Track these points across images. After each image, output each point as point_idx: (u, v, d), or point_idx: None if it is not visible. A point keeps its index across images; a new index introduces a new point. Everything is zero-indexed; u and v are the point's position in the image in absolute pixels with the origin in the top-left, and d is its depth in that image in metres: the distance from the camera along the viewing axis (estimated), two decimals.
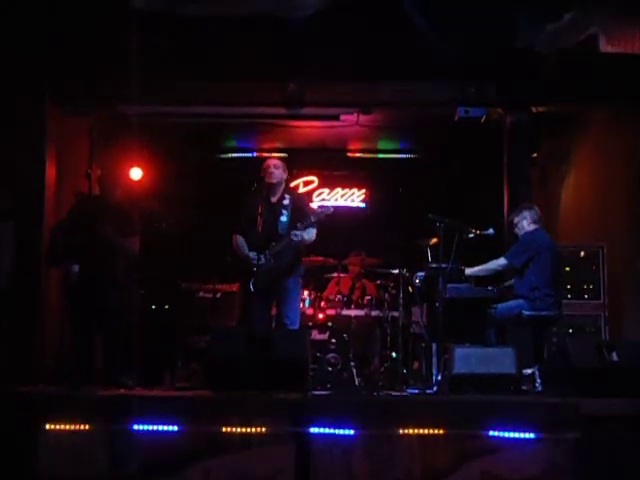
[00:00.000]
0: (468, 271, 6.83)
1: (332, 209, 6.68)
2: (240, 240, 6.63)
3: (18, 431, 4.90)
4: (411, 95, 7.82)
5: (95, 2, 6.84)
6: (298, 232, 6.39)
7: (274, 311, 6.74)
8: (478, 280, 6.98)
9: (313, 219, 6.44)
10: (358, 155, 10.12)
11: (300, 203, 6.73)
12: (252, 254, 6.46)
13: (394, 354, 7.76)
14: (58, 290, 6.96)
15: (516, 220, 6.86)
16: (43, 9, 7.00)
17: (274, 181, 6.63)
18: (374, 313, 7.92)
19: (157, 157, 9.67)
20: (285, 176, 6.77)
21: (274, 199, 6.67)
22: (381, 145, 9.97)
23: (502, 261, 6.78)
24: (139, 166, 9.22)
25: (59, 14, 7.00)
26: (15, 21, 7.09)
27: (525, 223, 6.81)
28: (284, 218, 6.57)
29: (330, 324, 7.90)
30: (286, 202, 6.64)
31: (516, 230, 6.87)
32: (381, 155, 10.20)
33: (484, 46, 6.91)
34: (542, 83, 7.31)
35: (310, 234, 6.55)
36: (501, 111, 7.92)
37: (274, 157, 6.83)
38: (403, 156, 10.15)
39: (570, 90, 7.35)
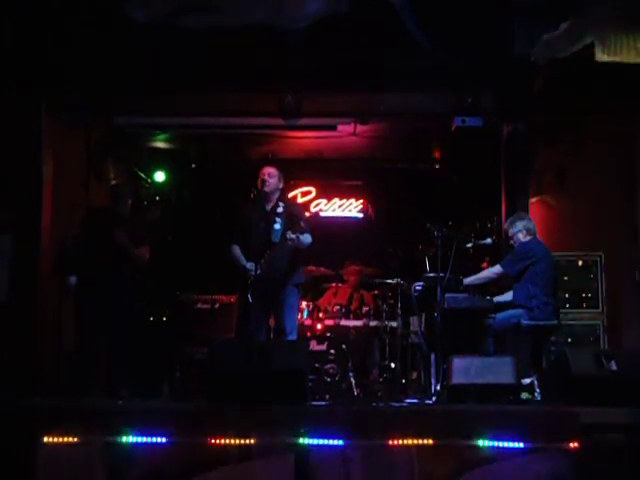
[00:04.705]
0: (465, 280, 6.84)
1: (319, 213, 6.74)
2: (236, 250, 6.63)
3: (16, 444, 4.88)
4: (408, 105, 7.83)
5: (94, 14, 6.84)
6: (293, 234, 6.38)
7: (272, 322, 6.73)
8: (477, 290, 6.99)
9: (303, 224, 6.43)
10: (355, 165, 10.13)
11: (293, 211, 6.71)
12: (249, 264, 6.45)
13: (393, 364, 7.76)
14: (56, 302, 6.95)
15: (511, 232, 6.86)
16: (40, 20, 7.00)
17: (268, 190, 6.64)
18: (372, 323, 7.92)
19: (155, 168, 9.71)
20: (280, 185, 6.77)
21: (268, 207, 6.67)
22: (378, 155, 9.98)
23: (497, 269, 6.80)
24: (139, 177, 9.26)
25: (57, 26, 7.00)
26: (12, 32, 7.09)
27: (521, 236, 6.81)
28: (277, 226, 6.55)
29: (329, 334, 7.89)
30: (280, 210, 6.63)
31: (512, 242, 6.87)
32: (379, 165, 10.21)
33: (481, 56, 6.92)
34: (539, 93, 7.33)
35: (306, 239, 6.55)
36: (498, 121, 7.95)
37: (270, 165, 6.81)
38: (401, 166, 10.16)
39: (566, 100, 7.37)
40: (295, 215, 6.58)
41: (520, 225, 6.84)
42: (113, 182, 8.36)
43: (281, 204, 6.67)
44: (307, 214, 6.77)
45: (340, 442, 4.88)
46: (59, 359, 6.85)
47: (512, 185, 7.99)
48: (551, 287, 6.70)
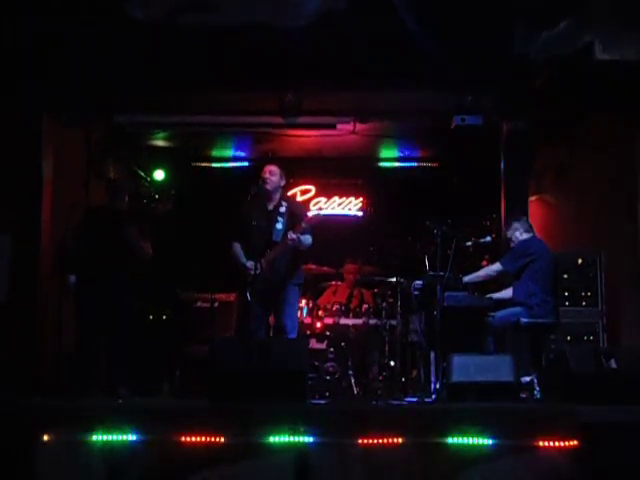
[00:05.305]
0: (465, 278, 6.85)
1: (321, 215, 6.91)
2: (237, 248, 6.62)
3: (16, 444, 4.88)
4: (408, 104, 7.84)
5: (94, 14, 6.84)
6: (294, 234, 6.37)
7: (272, 320, 6.73)
8: (477, 289, 7.00)
9: (304, 225, 6.43)
10: (355, 164, 10.13)
11: (296, 210, 6.70)
12: (249, 263, 6.45)
13: (392, 363, 7.75)
14: (56, 302, 6.97)
15: (509, 234, 6.92)
16: (40, 20, 7.00)
17: (269, 188, 6.63)
18: (372, 322, 7.92)
19: (155, 166, 9.72)
20: (282, 183, 6.75)
21: (270, 206, 6.66)
22: (378, 153, 9.99)
23: (497, 266, 6.83)
24: (139, 175, 9.26)
25: (56, 25, 7.00)
26: (12, 32, 7.09)
27: (518, 234, 6.85)
28: (279, 225, 6.54)
29: (328, 333, 7.89)
30: (282, 209, 6.61)
31: (512, 244, 6.90)
32: (378, 163, 10.22)
33: (481, 55, 6.92)
34: (539, 91, 7.33)
35: (307, 240, 6.54)
36: (498, 119, 7.95)
37: (271, 163, 6.81)
38: (400, 164, 10.17)
39: (566, 98, 7.36)
40: (297, 215, 6.57)
41: (517, 225, 6.89)
42: (109, 179, 8.35)
43: (284, 203, 6.65)
44: (310, 215, 6.72)
45: (340, 441, 4.89)
46: (59, 359, 6.85)
47: (512, 183, 8.00)
48: (551, 285, 6.71)
